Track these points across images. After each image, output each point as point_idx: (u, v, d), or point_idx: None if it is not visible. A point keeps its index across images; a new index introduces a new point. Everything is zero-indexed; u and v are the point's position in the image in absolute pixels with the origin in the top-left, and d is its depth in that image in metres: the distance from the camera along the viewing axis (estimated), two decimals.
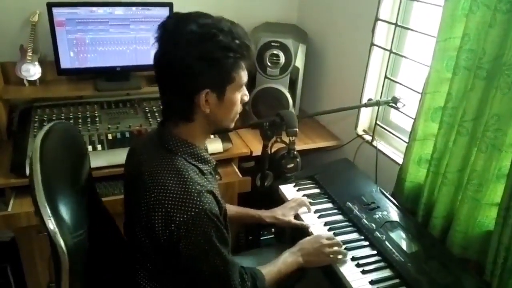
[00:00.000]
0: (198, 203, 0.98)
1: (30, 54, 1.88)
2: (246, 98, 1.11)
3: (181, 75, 0.99)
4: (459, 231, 1.37)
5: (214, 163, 1.15)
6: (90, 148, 1.67)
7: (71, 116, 1.85)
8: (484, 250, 1.33)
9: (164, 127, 1.10)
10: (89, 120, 1.84)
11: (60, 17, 1.81)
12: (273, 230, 2.06)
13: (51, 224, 0.93)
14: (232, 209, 1.47)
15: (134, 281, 1.11)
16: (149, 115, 1.93)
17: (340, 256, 1.32)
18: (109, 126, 1.82)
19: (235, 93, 1.06)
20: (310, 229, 1.47)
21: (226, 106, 1.06)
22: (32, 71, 1.90)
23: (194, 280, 1.07)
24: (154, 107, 1.99)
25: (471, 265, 1.37)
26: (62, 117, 1.83)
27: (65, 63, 1.90)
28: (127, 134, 1.78)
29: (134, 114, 1.93)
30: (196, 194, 0.99)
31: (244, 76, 1.05)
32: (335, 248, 1.33)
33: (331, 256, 1.31)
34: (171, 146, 1.06)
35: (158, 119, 1.90)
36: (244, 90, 1.09)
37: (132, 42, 1.96)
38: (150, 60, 2.00)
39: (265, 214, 1.52)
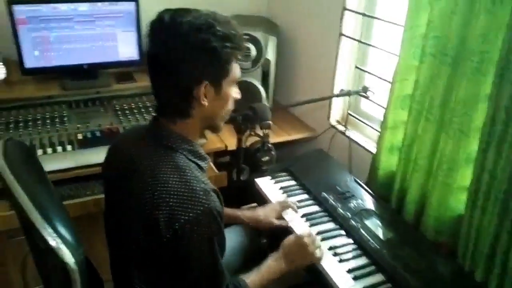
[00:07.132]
0: (204, 201, 0.96)
1: None
2: (238, 95, 1.10)
3: (178, 67, 0.97)
4: (431, 216, 1.39)
5: (209, 159, 1.13)
6: (60, 149, 1.63)
7: (39, 117, 1.78)
8: (456, 234, 1.36)
9: (158, 122, 1.07)
10: (57, 120, 1.79)
11: (21, 15, 1.74)
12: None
13: (55, 242, 0.89)
14: None
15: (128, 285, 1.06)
16: (119, 113, 1.88)
17: (321, 253, 1.30)
18: (78, 125, 1.77)
19: (230, 87, 1.05)
20: (289, 224, 1.46)
21: (222, 101, 1.05)
22: None
23: (182, 282, 1.03)
24: (124, 105, 1.94)
25: (444, 249, 1.40)
26: (30, 118, 1.77)
27: (29, 63, 1.83)
28: (98, 133, 1.73)
29: (104, 113, 1.88)
30: (201, 193, 0.97)
31: (237, 70, 1.05)
32: (316, 243, 1.30)
33: (316, 255, 1.28)
34: (171, 143, 1.03)
35: (130, 117, 1.86)
36: (236, 87, 1.09)
37: (98, 39, 1.91)
38: (118, 57, 2.03)
39: (246, 215, 1.49)
